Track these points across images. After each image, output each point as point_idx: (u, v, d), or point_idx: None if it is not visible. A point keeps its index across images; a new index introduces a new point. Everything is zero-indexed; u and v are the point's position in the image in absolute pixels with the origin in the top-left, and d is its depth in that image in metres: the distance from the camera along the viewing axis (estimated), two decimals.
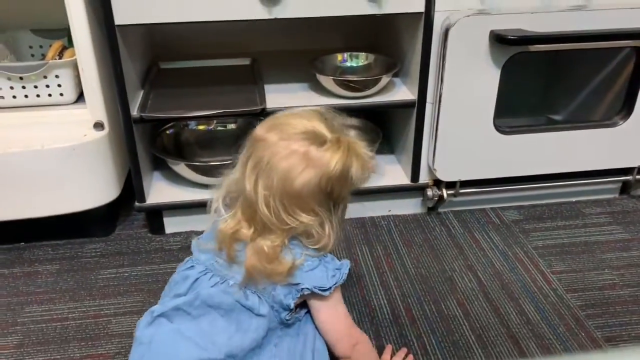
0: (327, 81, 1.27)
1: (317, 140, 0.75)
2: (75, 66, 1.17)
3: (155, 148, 1.32)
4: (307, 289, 0.78)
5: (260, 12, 1.10)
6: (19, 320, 1.06)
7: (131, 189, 1.26)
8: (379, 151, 1.35)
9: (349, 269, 0.83)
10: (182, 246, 1.26)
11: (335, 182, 0.75)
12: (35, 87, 1.20)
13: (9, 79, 1.18)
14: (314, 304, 0.82)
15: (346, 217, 1.42)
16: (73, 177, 1.18)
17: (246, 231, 0.78)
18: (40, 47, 1.39)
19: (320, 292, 0.79)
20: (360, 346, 0.85)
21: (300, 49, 1.50)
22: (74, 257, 1.24)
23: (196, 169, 1.27)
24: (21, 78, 1.18)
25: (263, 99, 1.24)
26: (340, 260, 0.83)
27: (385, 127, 1.45)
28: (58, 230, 1.27)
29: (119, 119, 1.19)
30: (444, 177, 1.30)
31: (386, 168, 1.41)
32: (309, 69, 1.30)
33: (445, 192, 1.32)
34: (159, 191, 1.31)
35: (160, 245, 1.28)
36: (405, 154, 1.37)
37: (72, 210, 1.21)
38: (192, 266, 0.82)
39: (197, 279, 0.81)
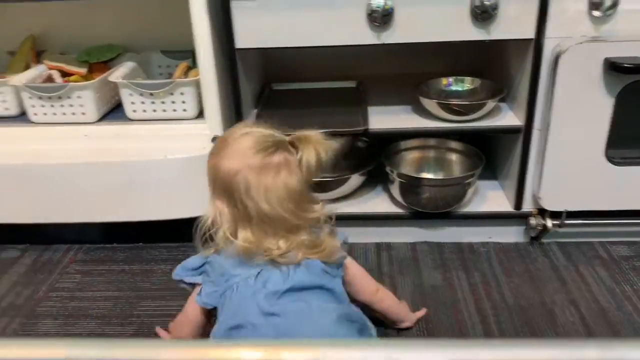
0: (431, 104, 1.28)
1: (282, 146, 0.87)
2: (198, 85, 1.28)
3: None
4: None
5: (369, 38, 1.14)
6: (134, 312, 1.17)
7: None
8: (482, 176, 1.34)
9: None
10: None
11: (315, 170, 0.88)
12: (163, 102, 1.31)
13: (141, 94, 1.31)
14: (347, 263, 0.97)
15: (443, 240, 1.40)
16: (190, 186, 1.27)
17: (283, 244, 0.87)
18: (168, 67, 1.53)
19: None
20: (381, 290, 1.05)
21: (405, 73, 1.52)
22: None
23: None
24: (151, 94, 1.31)
25: (366, 120, 1.28)
26: None
27: (489, 152, 1.43)
28: (173, 234, 1.38)
29: None
30: (550, 206, 1.26)
31: (488, 194, 1.39)
32: (413, 92, 1.32)
33: (549, 222, 1.28)
34: None
35: None
36: (509, 180, 1.35)
37: (186, 216, 1.30)
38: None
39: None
